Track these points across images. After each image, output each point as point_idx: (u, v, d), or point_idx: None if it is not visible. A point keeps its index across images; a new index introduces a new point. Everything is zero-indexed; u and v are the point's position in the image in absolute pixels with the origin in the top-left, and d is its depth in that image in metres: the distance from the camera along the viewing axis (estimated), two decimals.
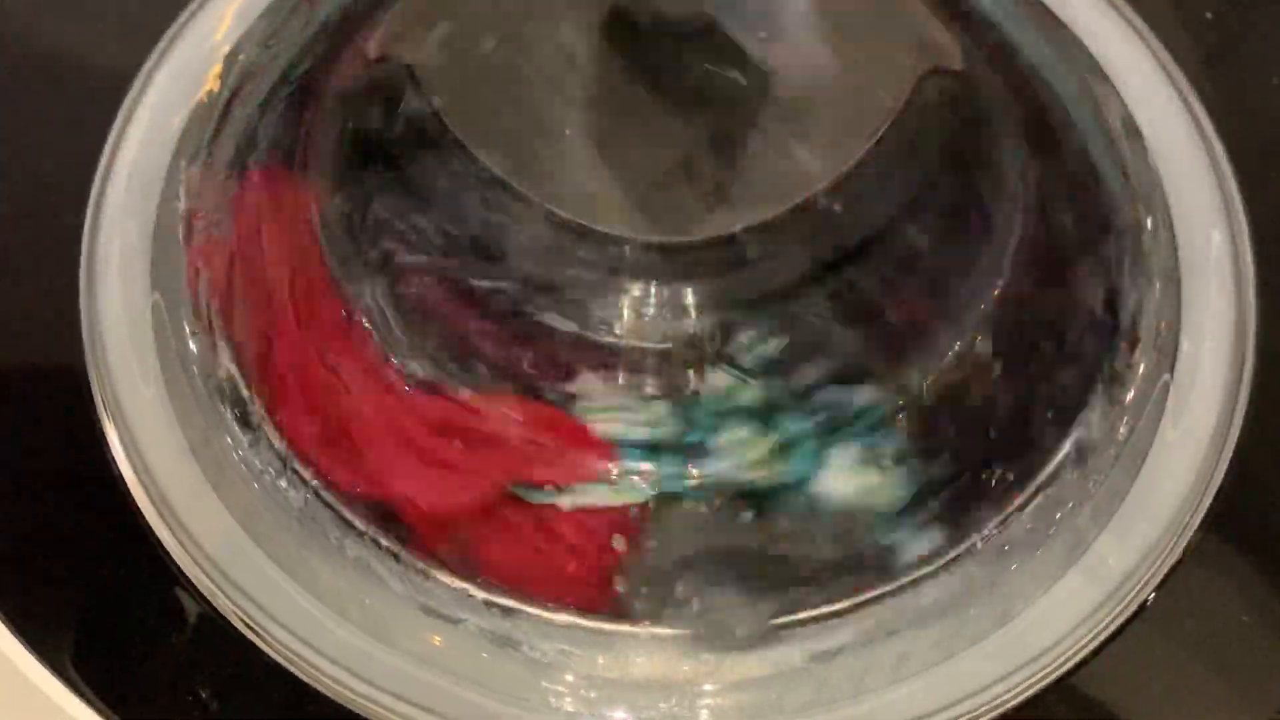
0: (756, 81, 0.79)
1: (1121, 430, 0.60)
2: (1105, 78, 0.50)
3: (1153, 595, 0.57)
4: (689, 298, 0.84)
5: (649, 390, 0.81)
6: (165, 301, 0.58)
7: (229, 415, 0.64)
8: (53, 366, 0.56)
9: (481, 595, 0.68)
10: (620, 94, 0.80)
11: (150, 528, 0.59)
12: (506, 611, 0.69)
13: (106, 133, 0.52)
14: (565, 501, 0.75)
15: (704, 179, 0.82)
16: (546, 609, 0.69)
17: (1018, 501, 0.66)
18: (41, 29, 0.50)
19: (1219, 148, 0.48)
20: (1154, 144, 0.50)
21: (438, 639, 0.66)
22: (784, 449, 0.77)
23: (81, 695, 0.60)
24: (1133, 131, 0.51)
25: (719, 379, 0.81)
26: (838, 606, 0.68)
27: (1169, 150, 0.50)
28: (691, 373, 0.82)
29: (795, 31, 0.77)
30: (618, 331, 0.84)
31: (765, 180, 0.82)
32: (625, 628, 0.69)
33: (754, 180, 0.82)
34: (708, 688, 0.67)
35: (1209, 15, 0.46)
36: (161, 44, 0.50)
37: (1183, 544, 0.56)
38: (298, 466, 0.67)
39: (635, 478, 0.76)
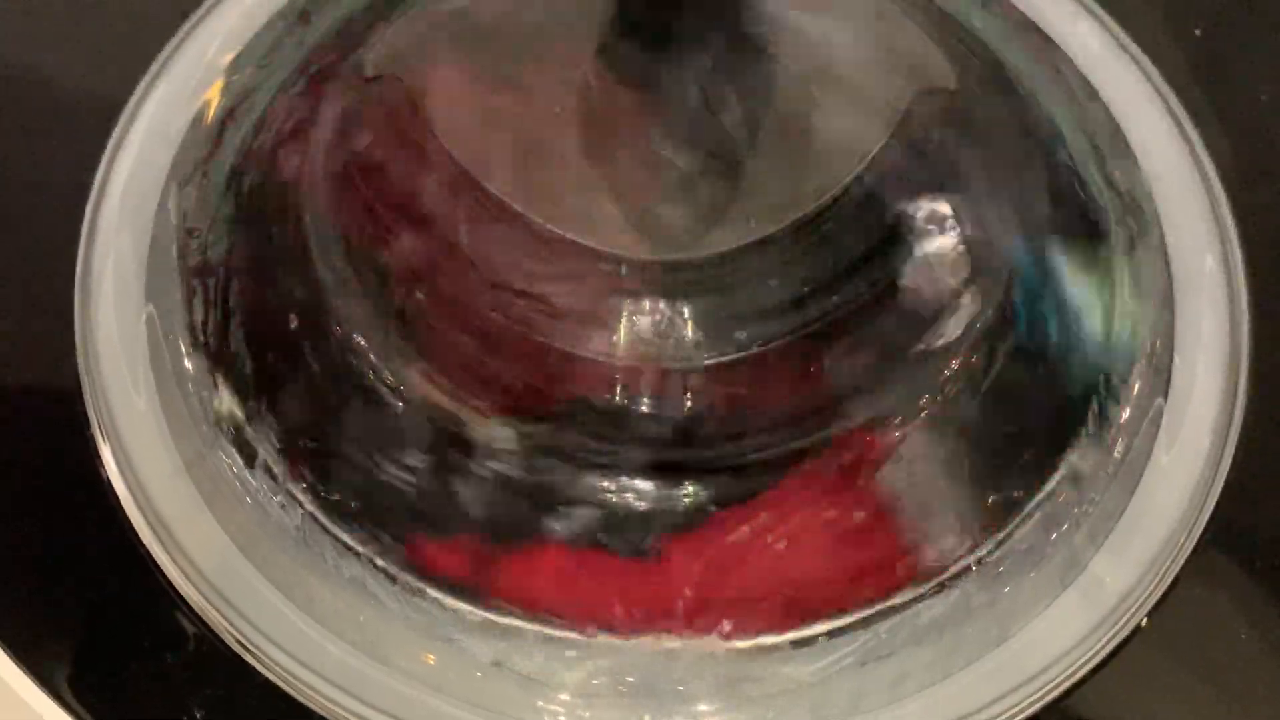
0: (755, 98, 0.79)
1: (1118, 449, 0.60)
2: (1095, 95, 0.50)
3: (1150, 614, 0.57)
4: (686, 315, 0.84)
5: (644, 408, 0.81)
6: (160, 319, 0.58)
7: (224, 434, 0.64)
8: (47, 382, 0.56)
9: (480, 615, 0.68)
10: (619, 112, 0.80)
11: (145, 546, 0.59)
12: (503, 631, 0.68)
13: (100, 153, 0.51)
14: None
15: (702, 197, 0.82)
16: (544, 627, 0.69)
17: (1015, 521, 0.65)
18: (37, 49, 0.50)
19: (1209, 165, 0.47)
20: (1145, 161, 0.50)
21: (432, 658, 0.66)
22: None
23: (75, 715, 0.60)
24: (1123, 150, 0.51)
25: None
26: (835, 625, 0.68)
27: (1160, 167, 0.50)
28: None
29: (790, 52, 0.77)
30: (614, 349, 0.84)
31: (760, 199, 0.82)
32: (622, 644, 0.69)
33: (749, 199, 0.82)
34: (704, 706, 0.67)
35: (1198, 32, 0.46)
36: (155, 65, 0.50)
37: (1180, 562, 0.56)
38: (293, 486, 0.67)
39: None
